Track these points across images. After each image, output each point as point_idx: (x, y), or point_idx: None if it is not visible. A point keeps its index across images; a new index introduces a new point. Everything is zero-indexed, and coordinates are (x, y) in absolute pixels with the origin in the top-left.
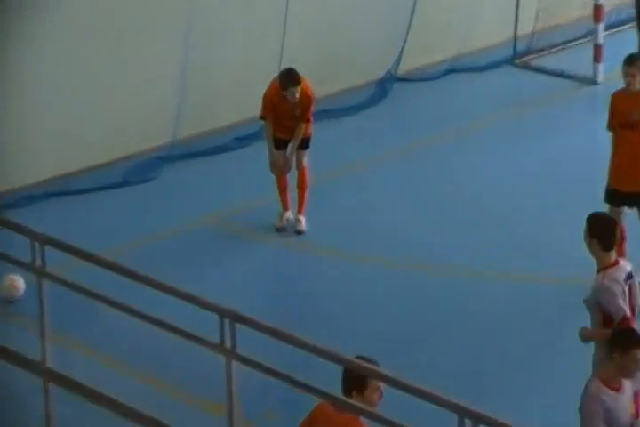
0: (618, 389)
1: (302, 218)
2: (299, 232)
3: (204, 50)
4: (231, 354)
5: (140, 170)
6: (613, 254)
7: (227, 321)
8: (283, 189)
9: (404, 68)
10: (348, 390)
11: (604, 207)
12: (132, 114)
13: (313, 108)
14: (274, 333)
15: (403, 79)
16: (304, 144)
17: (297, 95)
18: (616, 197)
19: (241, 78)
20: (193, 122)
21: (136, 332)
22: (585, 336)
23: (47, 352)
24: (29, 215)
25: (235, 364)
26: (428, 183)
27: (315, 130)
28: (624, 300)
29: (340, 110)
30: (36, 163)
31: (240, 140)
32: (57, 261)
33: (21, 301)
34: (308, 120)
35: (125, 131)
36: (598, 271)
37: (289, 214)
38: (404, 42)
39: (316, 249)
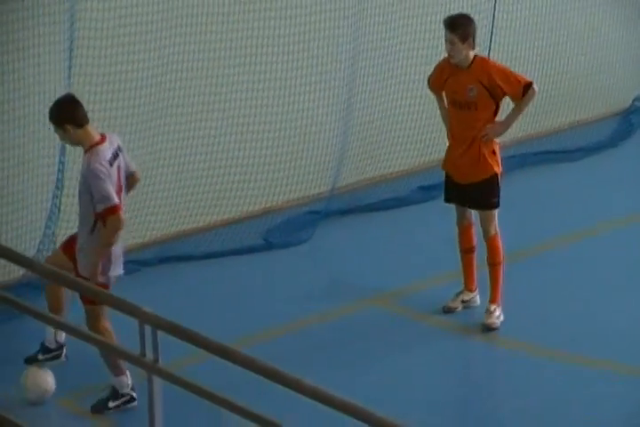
0: None
1: (494, 308)
2: (487, 328)
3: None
4: None
5: (288, 228)
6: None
7: None
8: (464, 249)
9: None
10: None
11: None
12: (281, 159)
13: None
14: None
15: None
16: (491, 198)
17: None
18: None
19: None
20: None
21: None
22: None
23: None
24: (139, 286)
25: None
26: None
27: (527, 179)
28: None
29: (565, 152)
30: (156, 219)
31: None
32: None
33: None
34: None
35: (272, 179)
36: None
37: (472, 297)
38: None
39: (508, 343)
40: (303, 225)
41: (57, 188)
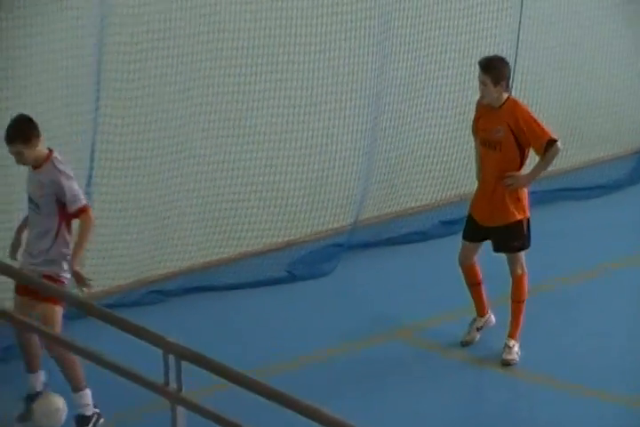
0: None
1: (513, 343)
2: (506, 363)
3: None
4: None
5: (311, 261)
6: None
7: None
8: (472, 284)
9: None
10: None
11: None
12: (303, 193)
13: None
14: None
15: None
16: (519, 242)
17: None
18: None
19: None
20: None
21: None
22: None
23: None
24: (164, 316)
25: None
26: None
27: (546, 216)
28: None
29: (586, 190)
30: (180, 250)
31: (445, 224)
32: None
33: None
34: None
35: (295, 212)
36: None
37: (485, 320)
38: None
39: (527, 376)
40: (326, 258)
41: None
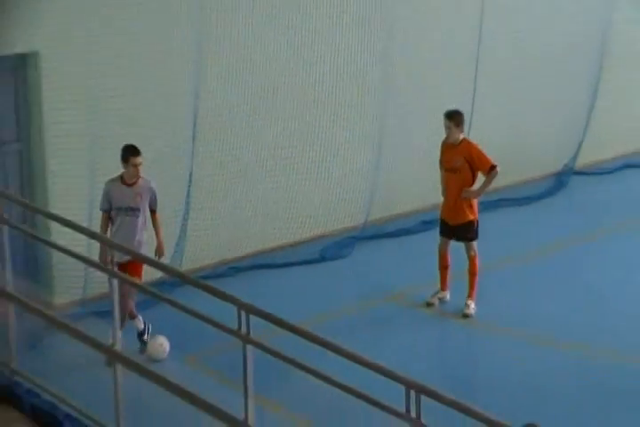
0: None
1: (471, 302)
2: (465, 316)
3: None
4: (416, 423)
5: (335, 248)
6: None
7: (412, 392)
8: (442, 266)
9: (581, 162)
10: None
11: None
12: (330, 199)
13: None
14: (454, 404)
15: (579, 173)
16: (469, 235)
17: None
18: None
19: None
20: (383, 206)
21: (326, 395)
22: None
23: (249, 410)
24: (236, 285)
25: None
26: (597, 272)
27: (492, 218)
28: None
29: (518, 200)
30: (245, 239)
31: (426, 223)
32: (258, 328)
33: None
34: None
35: (323, 213)
36: None
37: (444, 295)
38: (582, 138)
39: (487, 328)
40: (345, 245)
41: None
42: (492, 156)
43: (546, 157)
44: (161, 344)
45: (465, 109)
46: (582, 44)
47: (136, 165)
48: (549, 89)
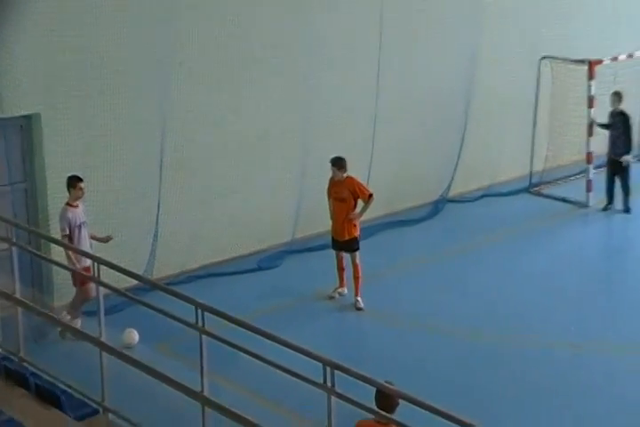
0: None
1: (359, 298)
2: (358, 309)
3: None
4: (331, 392)
5: (269, 259)
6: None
7: (328, 368)
8: (339, 269)
9: (452, 193)
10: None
11: None
12: (264, 220)
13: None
14: (361, 377)
15: (451, 201)
16: (354, 247)
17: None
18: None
19: None
20: (307, 226)
21: (264, 373)
22: None
23: (204, 384)
24: (194, 290)
25: (334, 399)
26: (469, 274)
27: (385, 235)
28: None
29: (405, 221)
30: (204, 249)
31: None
32: (211, 322)
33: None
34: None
35: (259, 232)
36: None
37: (343, 290)
38: (453, 174)
39: (371, 315)
40: (277, 257)
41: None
42: (386, 186)
43: (427, 189)
44: (130, 332)
45: (367, 151)
46: (452, 94)
47: (82, 189)
48: (430, 133)
